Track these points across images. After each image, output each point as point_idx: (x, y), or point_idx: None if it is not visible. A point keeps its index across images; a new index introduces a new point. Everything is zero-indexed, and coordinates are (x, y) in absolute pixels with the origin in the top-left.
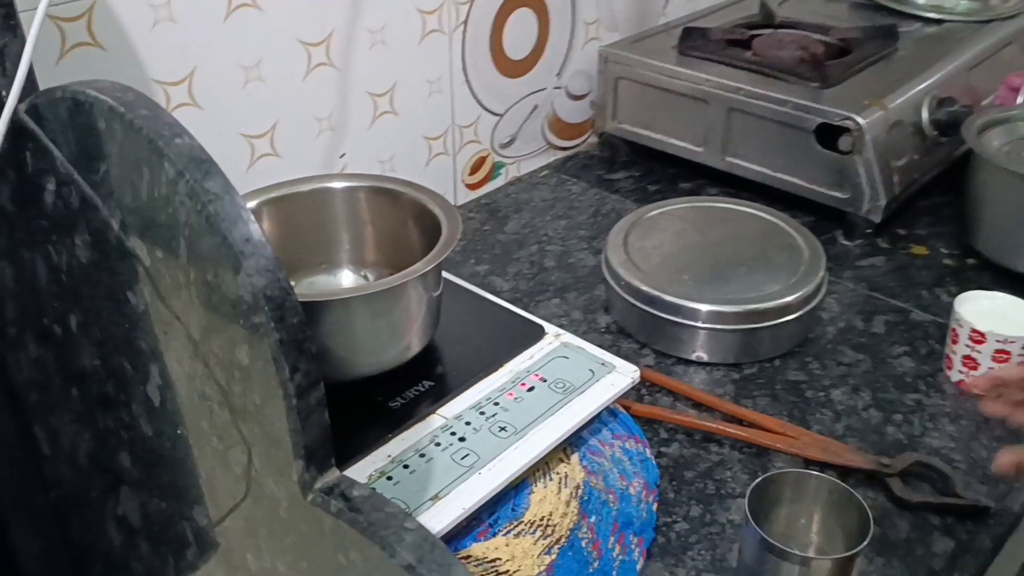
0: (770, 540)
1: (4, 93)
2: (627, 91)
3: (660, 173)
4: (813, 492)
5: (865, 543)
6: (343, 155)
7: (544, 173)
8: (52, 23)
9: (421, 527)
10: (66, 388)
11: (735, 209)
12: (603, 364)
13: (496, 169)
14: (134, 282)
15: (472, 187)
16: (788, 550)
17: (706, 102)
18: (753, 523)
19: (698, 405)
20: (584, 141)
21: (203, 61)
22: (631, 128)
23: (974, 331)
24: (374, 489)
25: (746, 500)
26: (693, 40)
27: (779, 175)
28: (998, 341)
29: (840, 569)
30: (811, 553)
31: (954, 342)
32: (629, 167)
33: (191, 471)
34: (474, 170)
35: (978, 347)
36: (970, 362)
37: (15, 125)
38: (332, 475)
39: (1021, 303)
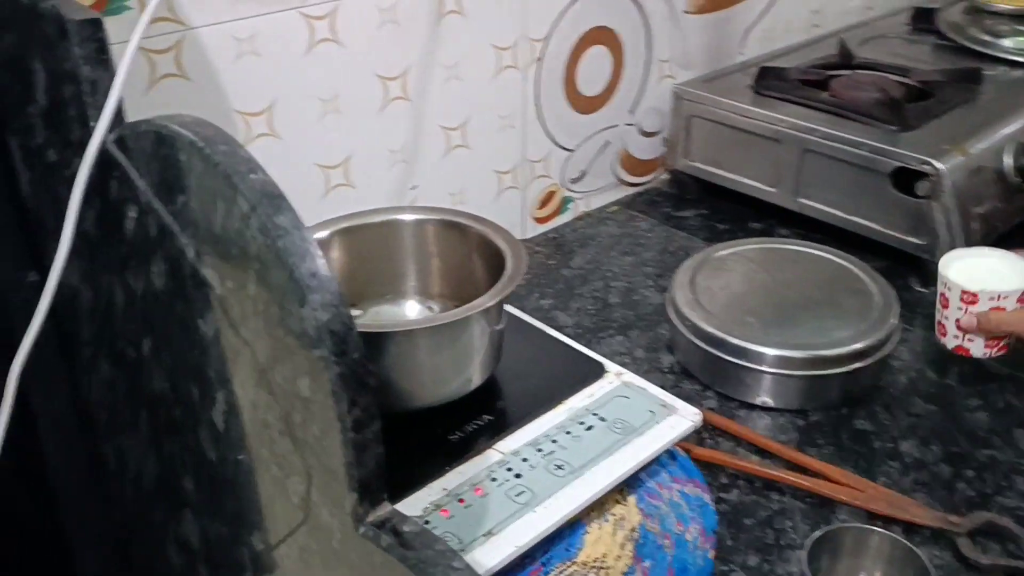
0: None
1: (93, 124)
2: (700, 129)
3: (729, 212)
4: (874, 548)
5: None
6: (414, 187)
7: (613, 209)
8: (143, 55)
9: (469, 567)
10: (136, 411)
11: (805, 252)
12: (664, 406)
13: (565, 204)
14: (206, 310)
15: (540, 221)
16: None
17: (780, 142)
18: None
19: (761, 451)
20: (654, 178)
21: (283, 93)
22: (702, 166)
23: (965, 292)
24: (425, 525)
25: (804, 553)
26: (769, 80)
27: (853, 218)
28: (991, 299)
29: None
30: None
31: (944, 306)
32: (698, 205)
33: (251, 497)
34: (543, 204)
35: (972, 308)
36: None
37: (103, 155)
38: (384, 509)
39: (1008, 256)
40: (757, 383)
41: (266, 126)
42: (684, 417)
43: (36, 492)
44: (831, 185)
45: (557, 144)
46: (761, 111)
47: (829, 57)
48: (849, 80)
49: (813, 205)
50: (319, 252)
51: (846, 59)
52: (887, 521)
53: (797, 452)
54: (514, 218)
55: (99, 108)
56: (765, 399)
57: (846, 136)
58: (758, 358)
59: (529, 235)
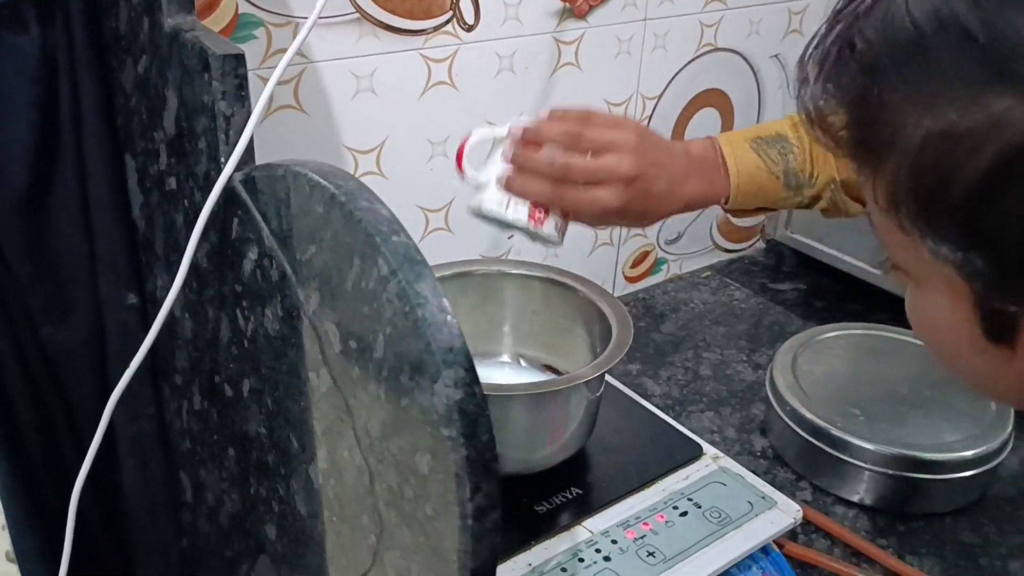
0: None
1: (224, 160)
2: None
3: (827, 289)
4: None
5: None
6: (512, 236)
7: (706, 274)
8: (262, 85)
9: None
10: (223, 446)
11: (917, 344)
12: (763, 498)
13: (658, 264)
14: (320, 365)
15: (631, 280)
16: None
17: None
18: None
19: (858, 553)
20: (751, 246)
21: (394, 133)
22: (803, 239)
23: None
24: None
25: None
26: None
27: None
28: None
29: None
30: None
31: None
32: (794, 278)
33: (338, 560)
34: (636, 263)
35: None
36: None
37: (228, 192)
38: None
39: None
40: (857, 479)
41: (374, 164)
42: (785, 513)
43: (108, 509)
44: None
45: None
46: None
47: None
48: None
49: None
50: (457, 325)
51: None
52: None
53: (897, 561)
54: (606, 275)
55: (230, 144)
56: (863, 497)
57: None
58: (860, 453)
59: (619, 293)
